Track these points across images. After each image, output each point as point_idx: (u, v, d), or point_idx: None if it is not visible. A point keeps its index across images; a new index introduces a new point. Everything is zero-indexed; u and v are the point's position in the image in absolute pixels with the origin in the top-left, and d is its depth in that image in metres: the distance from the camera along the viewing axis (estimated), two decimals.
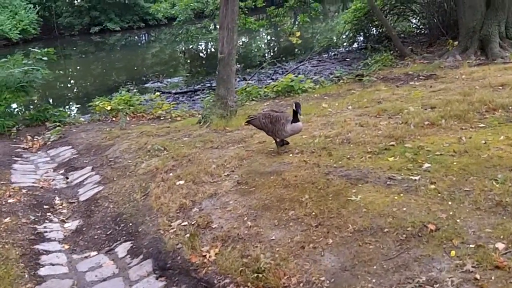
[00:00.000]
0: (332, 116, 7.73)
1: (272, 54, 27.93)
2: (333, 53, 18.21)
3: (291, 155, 5.96)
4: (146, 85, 17.10)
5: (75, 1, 33.05)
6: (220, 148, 6.91)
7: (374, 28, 17.22)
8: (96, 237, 5.40)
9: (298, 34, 18.63)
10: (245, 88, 11.65)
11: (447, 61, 11.86)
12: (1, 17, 29.13)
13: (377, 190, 4.59)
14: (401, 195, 4.43)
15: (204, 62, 23.45)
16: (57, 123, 11.08)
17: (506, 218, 3.84)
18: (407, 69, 11.86)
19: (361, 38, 18.34)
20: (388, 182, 4.72)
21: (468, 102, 7.01)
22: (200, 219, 4.89)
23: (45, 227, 5.71)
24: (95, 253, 5.07)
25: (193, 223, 4.88)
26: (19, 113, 11.49)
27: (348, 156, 5.55)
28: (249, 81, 14.42)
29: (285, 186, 5.08)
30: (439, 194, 4.34)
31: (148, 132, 8.88)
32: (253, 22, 19.89)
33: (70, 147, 9.13)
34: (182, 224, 4.95)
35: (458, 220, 3.90)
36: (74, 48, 30.98)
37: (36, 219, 5.88)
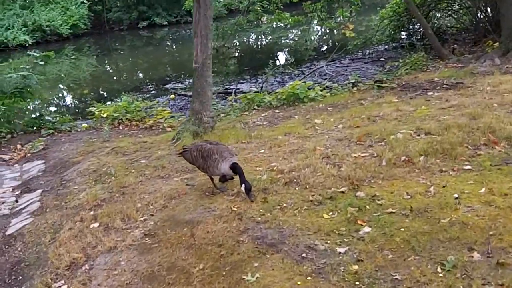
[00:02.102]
0: (311, 139, 6.55)
1: (326, 47, 26.52)
2: (370, 51, 16.66)
3: (224, 197, 4.90)
4: (167, 86, 16.39)
5: None
6: (165, 178, 5.95)
7: (414, 25, 15.50)
8: None
9: (351, 27, 17.21)
10: (247, 96, 10.56)
11: (483, 66, 10.19)
12: (53, 12, 29.52)
13: (283, 267, 3.46)
14: (309, 278, 3.29)
15: (236, 60, 22.51)
16: (52, 131, 10.55)
17: None
18: (435, 75, 10.31)
19: (403, 36, 16.64)
20: (303, 255, 3.58)
21: (469, 129, 5.63)
22: (79, 284, 3.97)
23: None
24: None
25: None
26: (15, 119, 10.99)
27: (284, 205, 4.43)
28: (263, 84, 13.27)
29: (188, 246, 4.06)
30: (357, 283, 3.16)
31: (120, 148, 8.06)
32: (288, 17, 18.73)
33: (43, 161, 8.49)
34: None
35: None
36: (117, 44, 30.98)
37: None
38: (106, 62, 28.23)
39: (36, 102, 13.93)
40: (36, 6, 29.60)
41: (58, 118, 11.18)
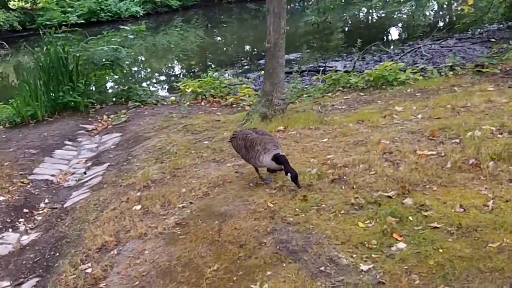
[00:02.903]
0: (381, 130, 5.99)
1: (442, 23, 24.78)
2: (480, 31, 15.12)
3: (267, 190, 4.59)
4: (260, 61, 16.16)
5: None
6: (219, 163, 5.77)
7: None
8: (24, 262, 4.79)
9: (470, 2, 15.85)
10: (332, 75, 10.01)
11: None
12: None
13: (296, 280, 3.12)
14: None
15: (343, 35, 21.65)
16: (138, 103, 10.82)
17: None
18: None
19: None
20: (322, 268, 3.20)
21: None
22: (100, 270, 3.94)
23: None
24: (7, 284, 4.46)
25: (94, 272, 3.96)
26: (107, 90, 11.45)
27: (322, 206, 4.03)
28: (355, 63, 12.52)
29: (211, 242, 3.84)
30: None
31: (192, 126, 8.01)
32: None
33: (120, 134, 8.72)
34: (86, 271, 4.05)
35: None
36: (224, 17, 31.28)
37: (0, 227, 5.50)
38: (213, 34, 28.56)
39: (140, 74, 14.32)
40: None
41: (144, 91, 11.43)
